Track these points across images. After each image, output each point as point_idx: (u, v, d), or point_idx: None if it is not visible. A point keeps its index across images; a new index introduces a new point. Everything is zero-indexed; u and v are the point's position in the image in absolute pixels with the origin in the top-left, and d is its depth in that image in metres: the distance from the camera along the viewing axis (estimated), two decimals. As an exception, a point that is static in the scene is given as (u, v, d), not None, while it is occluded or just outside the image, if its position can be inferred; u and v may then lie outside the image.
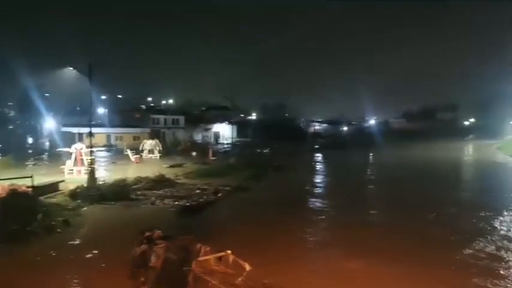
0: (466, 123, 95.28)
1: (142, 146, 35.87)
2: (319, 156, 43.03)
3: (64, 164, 22.63)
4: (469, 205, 16.04)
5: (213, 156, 34.33)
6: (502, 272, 8.61)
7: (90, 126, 22.09)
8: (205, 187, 18.77)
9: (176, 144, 48.36)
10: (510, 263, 9.22)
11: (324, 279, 8.22)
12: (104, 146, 47.75)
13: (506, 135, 56.44)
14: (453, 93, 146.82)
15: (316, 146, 55.61)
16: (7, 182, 14.59)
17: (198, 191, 17.88)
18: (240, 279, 5.41)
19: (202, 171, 24.95)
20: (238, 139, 68.48)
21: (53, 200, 14.84)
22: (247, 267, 5.59)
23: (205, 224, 12.81)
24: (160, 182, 19.36)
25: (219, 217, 14.38)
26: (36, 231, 11.10)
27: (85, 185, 17.14)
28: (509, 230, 11.94)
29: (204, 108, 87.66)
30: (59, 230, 11.67)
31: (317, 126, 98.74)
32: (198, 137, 67.29)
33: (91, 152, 21.17)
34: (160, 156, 34.53)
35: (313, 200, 17.38)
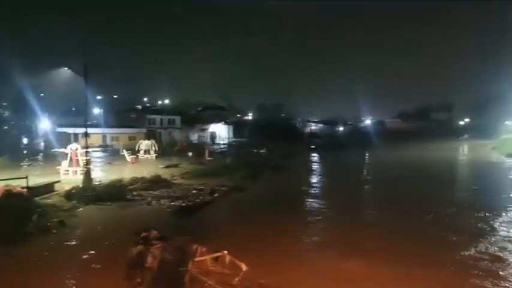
0: (461, 123, 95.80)
1: (138, 146, 35.78)
2: (315, 156, 43.09)
3: (59, 165, 22.53)
4: (466, 205, 16.01)
5: (209, 156, 34.29)
6: (501, 272, 8.60)
7: (86, 126, 21.98)
8: (202, 187, 18.74)
9: (172, 145, 48.26)
10: (510, 263, 9.22)
11: (321, 280, 8.21)
12: (99, 146, 47.57)
13: (500, 135, 56.70)
14: (448, 93, 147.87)
15: (313, 146, 55.69)
16: (2, 183, 14.46)
17: (194, 192, 17.85)
18: (236, 279, 5.42)
19: (199, 171, 24.93)
20: (234, 139, 68.52)
21: (49, 201, 14.76)
22: (244, 267, 5.60)
23: (202, 224, 12.80)
24: (156, 182, 19.32)
25: (215, 217, 14.37)
26: (31, 232, 11.04)
27: (81, 186, 17.07)
28: (508, 231, 11.94)
29: (200, 109, 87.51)
30: (54, 230, 11.62)
31: (313, 126, 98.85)
32: (194, 137, 67.20)
33: (86, 152, 21.07)
34: (156, 156, 34.45)
35: (310, 200, 17.40)
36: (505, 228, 12.18)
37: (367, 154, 45.49)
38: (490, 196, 18.08)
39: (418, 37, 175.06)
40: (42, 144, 46.14)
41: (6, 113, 51.10)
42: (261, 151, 43.99)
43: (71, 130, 45.56)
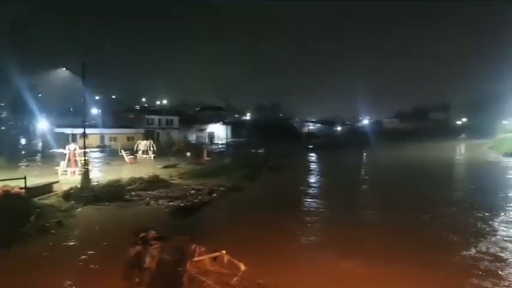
0: (458, 122, 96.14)
1: (137, 146, 35.74)
2: (313, 156, 43.14)
3: (58, 165, 22.50)
4: (465, 205, 15.97)
5: (207, 156, 34.29)
6: (501, 272, 8.58)
7: (84, 127, 21.96)
8: (200, 187, 18.74)
9: (170, 145, 48.24)
10: (510, 263, 9.20)
11: (319, 280, 8.23)
12: (97, 146, 47.55)
13: (497, 134, 56.92)
14: (445, 93, 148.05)
15: (310, 146, 55.78)
16: (0, 184, 14.50)
17: (192, 192, 17.86)
18: (235, 279, 5.44)
19: (197, 171, 24.93)
20: (232, 139, 68.56)
21: (47, 201, 14.75)
22: (242, 267, 5.62)
23: (200, 224, 12.80)
24: (154, 182, 19.33)
25: (213, 217, 14.37)
26: (29, 232, 11.03)
27: (79, 186, 17.08)
28: (508, 230, 11.91)
29: (198, 109, 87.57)
30: (52, 231, 11.60)
31: (311, 126, 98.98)
32: (193, 137, 67.20)
33: (85, 152, 21.06)
34: (154, 156, 34.42)
35: (308, 200, 17.41)
36: (504, 228, 12.15)
37: (364, 154, 45.57)
38: (488, 196, 18.06)
39: (417, 37, 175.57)
40: (40, 144, 45.98)
41: (4, 114, 50.92)
42: (259, 151, 44.01)
43: (69, 130, 45.48)
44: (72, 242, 11.08)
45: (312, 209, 15.60)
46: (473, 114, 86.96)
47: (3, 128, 46.40)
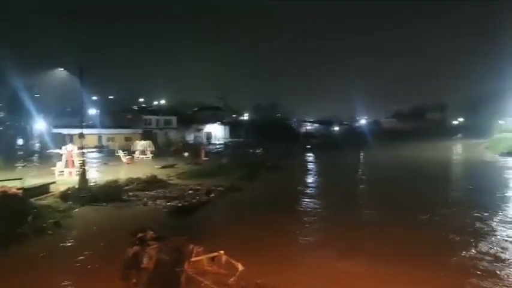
0: (455, 122, 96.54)
1: (134, 146, 35.70)
2: (311, 156, 43.19)
3: (55, 166, 22.44)
4: (462, 205, 15.94)
5: (205, 156, 34.28)
6: (501, 272, 8.55)
7: (81, 127, 21.95)
8: (198, 188, 18.73)
9: (168, 145, 48.22)
10: (510, 263, 9.16)
11: (317, 280, 8.22)
12: (95, 147, 47.44)
13: (494, 134, 57.12)
14: (442, 93, 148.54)
15: (308, 146, 55.85)
16: (-3, 184, 14.46)
17: (190, 192, 17.84)
18: (232, 279, 5.44)
19: (195, 171, 24.92)
20: (230, 139, 68.57)
21: (44, 202, 14.70)
22: (240, 267, 5.61)
23: (198, 224, 12.79)
24: (152, 182, 19.30)
25: (211, 218, 14.38)
26: (26, 233, 10.97)
27: (76, 187, 17.03)
28: (506, 230, 11.87)
29: (196, 109, 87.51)
30: (49, 231, 11.57)
31: (309, 126, 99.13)
32: (190, 137, 67.15)
33: (82, 153, 21.01)
34: (152, 157, 34.40)
35: (306, 200, 17.42)
36: (503, 228, 12.13)
37: (362, 154, 45.63)
38: (485, 195, 18.12)
39: (417, 37, 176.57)
40: (38, 145, 45.92)
41: (1, 114, 50.84)
42: (257, 151, 44.05)
43: (66, 131, 45.41)
44: (69, 242, 11.05)
45: (310, 209, 15.61)
46: (470, 114, 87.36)
47: (1, 128, 46.29)
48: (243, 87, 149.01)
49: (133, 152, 34.56)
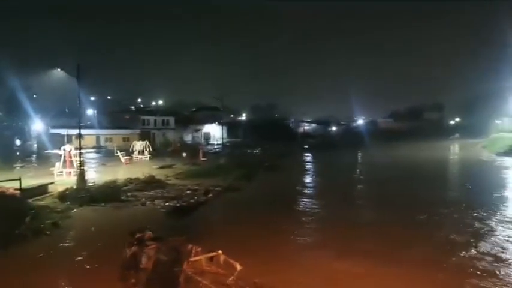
0: (452, 122, 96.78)
1: (133, 147, 35.68)
2: (308, 156, 43.27)
3: (53, 166, 22.45)
4: (460, 205, 15.87)
5: (203, 156, 34.27)
6: (501, 272, 8.54)
7: (79, 127, 21.91)
8: (196, 188, 18.76)
9: (166, 145, 48.22)
10: (510, 264, 9.16)
11: (314, 279, 8.25)
12: (93, 147, 47.40)
13: (491, 134, 57.34)
14: (439, 93, 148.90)
15: (306, 146, 55.93)
16: (-5, 185, 14.43)
17: (188, 192, 17.87)
18: (231, 279, 5.48)
19: (193, 171, 24.93)
20: (228, 139, 68.44)
21: (42, 203, 14.71)
22: (238, 267, 5.65)
23: (196, 224, 12.82)
24: (150, 183, 19.33)
25: (210, 218, 14.41)
26: (24, 233, 10.99)
27: (74, 187, 17.04)
28: (505, 230, 11.88)
29: (194, 109, 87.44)
30: (48, 232, 11.58)
31: (306, 127, 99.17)
32: (189, 137, 67.14)
33: (80, 153, 21.00)
34: (150, 157, 34.39)
35: (304, 199, 17.47)
36: (502, 228, 12.13)
37: (359, 154, 45.73)
38: (483, 195, 18.11)
39: (417, 37, 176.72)
40: (35, 145, 45.80)
41: (-1, 114, 50.64)
42: (255, 151, 44.07)
43: (64, 131, 45.30)
44: (67, 243, 11.07)
45: (307, 209, 15.65)
46: (467, 114, 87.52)
47: (-2, 129, 46.12)
48: (243, 87, 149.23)
49: (132, 152, 34.54)
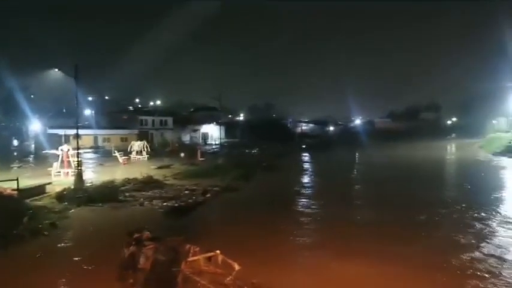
0: (449, 122, 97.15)
1: (130, 147, 35.64)
2: (306, 156, 43.32)
3: (50, 166, 22.38)
4: (459, 205, 15.77)
5: (201, 157, 34.27)
6: (502, 273, 8.50)
7: (77, 128, 21.89)
8: (194, 188, 18.76)
9: (164, 145, 48.18)
10: (510, 264, 9.13)
11: (313, 279, 8.27)
12: (91, 147, 47.33)
13: (487, 133, 57.60)
14: (436, 93, 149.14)
15: (304, 146, 56.01)
16: (-8, 185, 14.41)
17: (186, 192, 17.87)
18: (229, 278, 5.50)
19: (191, 172, 24.93)
20: (226, 140, 68.44)
21: (40, 203, 14.67)
22: (236, 266, 5.68)
23: (194, 224, 12.84)
24: (148, 183, 19.30)
25: (208, 218, 14.42)
26: (22, 234, 10.95)
27: (72, 187, 17.02)
28: (506, 230, 11.84)
29: (192, 109, 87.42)
30: (45, 232, 11.54)
31: (304, 127, 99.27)
32: (186, 138, 67.10)
33: (78, 154, 20.97)
34: (148, 157, 34.33)
35: (302, 200, 17.48)
36: (502, 228, 12.10)
37: (357, 154, 45.83)
38: (481, 195, 18.08)
39: (417, 37, 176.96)
40: (33, 146, 45.70)
41: (-4, 115, 50.53)
42: (253, 151, 44.07)
43: (62, 131, 45.20)
44: (65, 243, 11.04)
45: (306, 209, 15.66)
46: (464, 114, 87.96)
47: (-4, 129, 46.02)
48: (243, 87, 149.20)
49: (130, 153, 34.50)
